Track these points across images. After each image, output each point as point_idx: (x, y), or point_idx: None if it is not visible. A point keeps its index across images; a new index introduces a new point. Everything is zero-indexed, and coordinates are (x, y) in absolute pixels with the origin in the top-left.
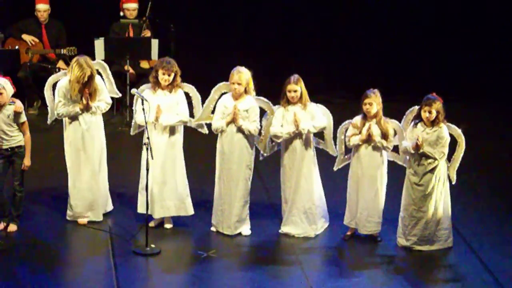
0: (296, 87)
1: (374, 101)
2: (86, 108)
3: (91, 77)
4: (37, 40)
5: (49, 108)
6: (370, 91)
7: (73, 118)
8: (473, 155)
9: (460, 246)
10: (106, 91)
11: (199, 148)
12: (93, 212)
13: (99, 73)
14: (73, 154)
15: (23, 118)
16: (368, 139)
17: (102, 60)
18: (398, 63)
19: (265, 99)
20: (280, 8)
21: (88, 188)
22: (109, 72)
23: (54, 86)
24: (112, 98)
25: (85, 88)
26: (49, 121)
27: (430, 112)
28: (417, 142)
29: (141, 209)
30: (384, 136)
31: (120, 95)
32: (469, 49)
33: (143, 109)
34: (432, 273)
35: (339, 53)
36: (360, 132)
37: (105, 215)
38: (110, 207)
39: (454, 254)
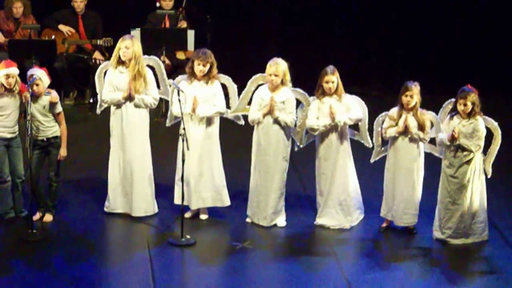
0: (333, 77)
1: (414, 93)
2: (129, 98)
3: (136, 61)
4: (73, 30)
5: (98, 97)
6: (411, 83)
7: (117, 107)
8: (510, 149)
9: (496, 240)
10: (155, 86)
11: (236, 140)
12: (131, 207)
13: (152, 69)
14: (115, 145)
15: (59, 108)
16: (405, 131)
17: None
18: (434, 55)
19: (302, 91)
20: None
21: (124, 181)
22: (164, 72)
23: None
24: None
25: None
26: (98, 111)
27: (465, 105)
28: (453, 134)
29: (177, 200)
30: (421, 128)
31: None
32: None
33: (179, 100)
34: (468, 266)
35: (375, 44)
36: (396, 124)
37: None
38: (153, 210)
39: (490, 247)
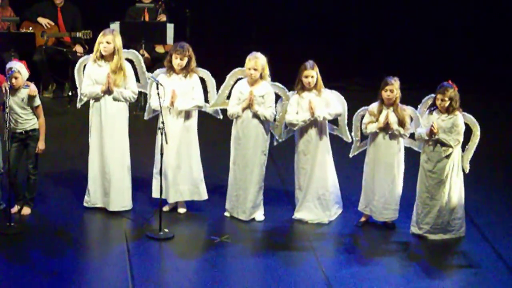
0: (312, 72)
1: (395, 88)
2: (108, 91)
3: (114, 53)
4: (52, 23)
5: (78, 91)
6: (390, 78)
7: (96, 100)
8: (488, 145)
9: (473, 235)
10: (133, 80)
11: (214, 134)
12: (108, 201)
13: (131, 62)
14: (93, 139)
15: (37, 101)
16: (386, 127)
17: None
18: (414, 50)
19: (281, 85)
20: None
21: (102, 174)
22: (143, 65)
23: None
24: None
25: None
26: (78, 105)
27: (443, 100)
28: (432, 128)
29: (155, 193)
30: (401, 123)
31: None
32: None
33: (158, 94)
34: (446, 261)
35: (354, 39)
36: (377, 120)
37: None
38: (127, 205)
39: (467, 242)
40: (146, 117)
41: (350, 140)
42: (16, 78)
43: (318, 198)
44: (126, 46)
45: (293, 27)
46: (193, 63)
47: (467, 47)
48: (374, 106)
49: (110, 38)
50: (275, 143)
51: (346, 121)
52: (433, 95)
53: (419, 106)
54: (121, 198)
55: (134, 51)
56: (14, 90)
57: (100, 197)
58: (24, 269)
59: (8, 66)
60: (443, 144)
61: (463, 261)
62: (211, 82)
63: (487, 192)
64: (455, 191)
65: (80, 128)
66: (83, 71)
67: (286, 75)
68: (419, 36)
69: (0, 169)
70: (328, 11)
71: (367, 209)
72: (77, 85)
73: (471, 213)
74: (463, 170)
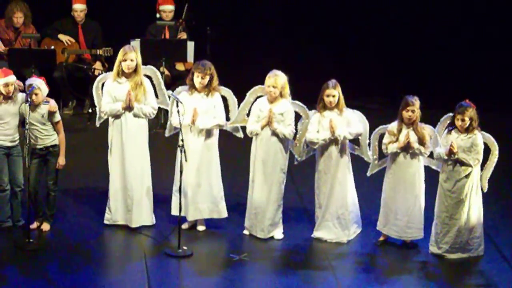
0: (334, 91)
1: (415, 108)
2: (129, 108)
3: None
4: (73, 40)
5: (97, 109)
6: (411, 97)
7: (116, 118)
8: (507, 163)
9: (492, 254)
10: (153, 96)
11: (234, 152)
12: (130, 218)
13: (150, 79)
14: (114, 156)
15: (58, 117)
16: (407, 146)
17: None
18: (433, 69)
19: (301, 104)
20: (318, 11)
21: (123, 191)
22: (161, 81)
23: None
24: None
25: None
26: (97, 123)
27: (463, 120)
28: (451, 148)
29: (174, 211)
30: (421, 142)
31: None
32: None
33: (178, 111)
34: (464, 280)
35: (374, 59)
36: (397, 139)
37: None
38: (151, 221)
39: (486, 261)
40: (167, 134)
41: (371, 160)
42: (36, 94)
43: (337, 218)
44: (146, 63)
45: (315, 46)
46: (215, 82)
47: (481, 65)
48: (393, 126)
49: (133, 56)
50: (295, 163)
51: (367, 141)
52: (451, 114)
53: (437, 126)
54: (144, 215)
55: (152, 67)
56: (34, 106)
57: (122, 214)
58: (42, 285)
59: (28, 82)
60: (462, 163)
61: (481, 280)
62: (232, 100)
63: (505, 211)
64: (474, 210)
65: (99, 145)
66: (102, 89)
67: (307, 94)
68: (440, 54)
69: (20, 185)
70: (349, 31)
71: (385, 229)
72: (96, 103)
73: (490, 232)
74: (482, 189)
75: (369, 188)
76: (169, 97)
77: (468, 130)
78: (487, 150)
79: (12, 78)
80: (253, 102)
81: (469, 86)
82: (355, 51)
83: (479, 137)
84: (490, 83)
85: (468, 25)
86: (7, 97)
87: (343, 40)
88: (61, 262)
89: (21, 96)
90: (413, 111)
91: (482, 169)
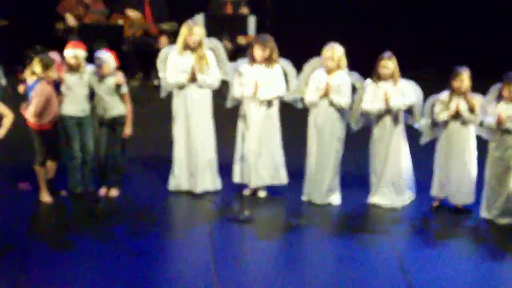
0: (389, 63)
1: (465, 78)
2: (193, 79)
3: (199, 45)
4: (140, 15)
5: (162, 81)
6: (460, 68)
7: (181, 88)
8: None
9: None
10: (216, 68)
11: (294, 121)
12: (194, 184)
13: (213, 51)
14: (179, 125)
15: (124, 89)
16: (457, 115)
17: None
18: (485, 40)
19: (358, 75)
20: None
21: (188, 159)
22: (224, 54)
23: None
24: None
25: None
26: (163, 94)
27: (509, 91)
28: (499, 118)
29: (236, 178)
30: (471, 111)
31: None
32: None
33: (240, 83)
34: None
35: (427, 31)
36: (448, 108)
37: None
38: (215, 187)
39: None
40: (229, 105)
41: (424, 129)
42: (103, 66)
43: (392, 184)
44: (209, 36)
45: (371, 18)
46: (275, 54)
47: None
48: (445, 95)
49: (197, 30)
50: (352, 131)
51: (420, 111)
52: (499, 84)
53: (487, 95)
54: (207, 181)
55: (215, 40)
56: (102, 78)
57: (186, 180)
58: (110, 248)
59: (96, 55)
60: (510, 132)
61: None
62: (291, 72)
63: None
64: None
65: (165, 115)
66: (166, 61)
67: (363, 65)
68: (488, 26)
69: (91, 153)
70: (406, 4)
71: (439, 194)
72: (160, 75)
73: None
74: None
75: (423, 155)
76: (231, 69)
77: None
78: None
79: (80, 52)
80: (311, 74)
81: None
82: (410, 24)
83: None
84: None
85: None
86: (75, 69)
87: (398, 14)
88: (128, 226)
89: (90, 68)
90: (462, 81)
91: None
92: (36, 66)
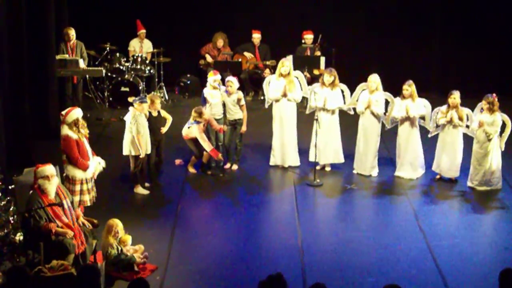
0: (408, 88)
1: (457, 97)
2: (285, 96)
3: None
4: (252, 55)
5: (266, 97)
6: (454, 91)
7: (277, 101)
8: None
9: (506, 188)
10: (299, 89)
11: (347, 123)
12: (285, 160)
13: (297, 79)
14: (276, 124)
15: (243, 102)
16: (451, 121)
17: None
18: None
19: (389, 94)
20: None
21: (281, 145)
22: (304, 80)
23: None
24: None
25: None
26: (266, 105)
27: (487, 104)
28: (480, 123)
29: (311, 157)
30: (460, 118)
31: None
32: None
33: (315, 98)
34: (487, 203)
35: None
36: (445, 116)
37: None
38: (297, 163)
39: (502, 192)
40: (307, 112)
41: (431, 128)
42: (231, 86)
43: (410, 163)
44: (295, 69)
45: (392, 46)
46: (337, 80)
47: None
48: (444, 107)
49: (288, 65)
50: (385, 129)
51: (429, 117)
52: (481, 102)
53: (475, 109)
54: (293, 158)
55: (299, 71)
56: (229, 94)
57: (280, 159)
58: (234, 201)
59: (226, 79)
60: (487, 132)
61: (498, 203)
62: (347, 92)
63: None
64: (494, 160)
65: (267, 118)
66: (268, 85)
67: (392, 86)
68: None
69: (221, 141)
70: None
71: (438, 170)
72: (265, 94)
73: (505, 174)
74: (500, 148)
75: (430, 145)
76: (309, 90)
77: (491, 111)
78: (504, 125)
79: (218, 76)
80: (360, 93)
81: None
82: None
83: (498, 116)
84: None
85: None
86: (214, 88)
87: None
88: (244, 188)
89: (222, 89)
90: (454, 99)
91: (501, 136)
92: (195, 115)
